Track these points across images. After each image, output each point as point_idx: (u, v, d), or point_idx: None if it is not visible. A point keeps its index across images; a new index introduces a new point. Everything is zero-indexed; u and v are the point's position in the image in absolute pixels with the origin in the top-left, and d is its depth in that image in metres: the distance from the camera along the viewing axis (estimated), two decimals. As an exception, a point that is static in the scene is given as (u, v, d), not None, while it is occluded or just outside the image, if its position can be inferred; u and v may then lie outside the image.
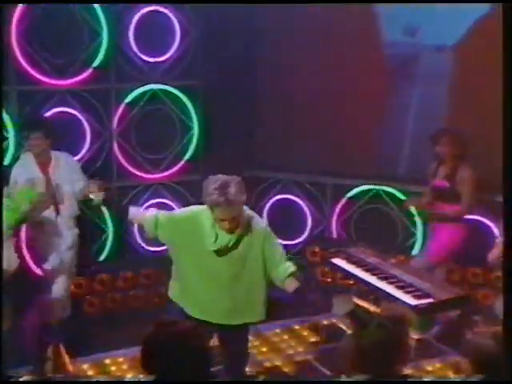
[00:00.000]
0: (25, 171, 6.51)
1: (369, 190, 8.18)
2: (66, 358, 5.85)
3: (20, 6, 7.14)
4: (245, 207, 4.67)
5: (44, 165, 6.59)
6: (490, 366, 3.64)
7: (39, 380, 4.24)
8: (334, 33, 8.01)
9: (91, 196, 6.01)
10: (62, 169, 6.66)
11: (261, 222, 4.83)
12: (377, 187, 8.12)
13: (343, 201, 8.33)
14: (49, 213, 6.47)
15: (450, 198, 6.87)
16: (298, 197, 8.60)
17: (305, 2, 7.82)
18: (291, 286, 4.74)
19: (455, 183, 6.82)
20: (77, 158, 7.47)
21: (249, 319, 4.95)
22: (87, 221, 7.56)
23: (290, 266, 4.80)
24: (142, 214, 5.00)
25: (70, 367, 5.81)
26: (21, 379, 5.46)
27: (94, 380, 5.64)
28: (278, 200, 8.60)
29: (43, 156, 6.60)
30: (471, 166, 6.86)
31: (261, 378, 5.90)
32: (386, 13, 7.97)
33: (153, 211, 4.92)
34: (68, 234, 6.71)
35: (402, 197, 7.93)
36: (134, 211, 5.12)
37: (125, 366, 6.17)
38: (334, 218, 8.47)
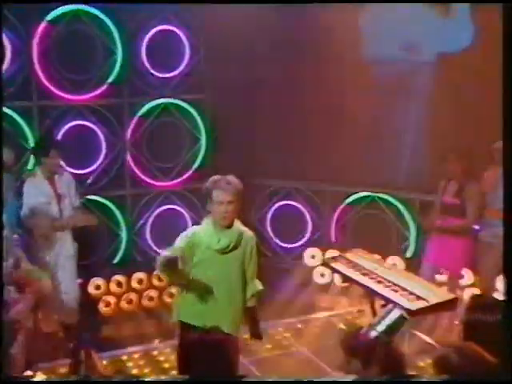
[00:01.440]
0: (38, 191, 6.69)
1: (366, 197, 8.49)
2: (98, 361, 6.14)
3: (42, 26, 7.55)
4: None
5: (51, 179, 6.82)
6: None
7: (38, 380, 4.44)
8: (333, 51, 8.26)
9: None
10: (64, 184, 6.90)
11: (251, 233, 5.23)
12: (373, 194, 8.43)
13: (342, 207, 8.63)
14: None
15: (458, 213, 7.01)
16: (299, 203, 8.89)
17: (305, 2, 8.02)
18: (250, 303, 5.13)
19: (464, 199, 6.96)
20: (93, 167, 7.93)
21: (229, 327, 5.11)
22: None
23: (257, 284, 5.18)
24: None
25: (102, 369, 6.09)
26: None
27: (95, 380, 5.71)
28: (280, 205, 8.91)
29: (53, 172, 6.84)
30: (478, 181, 7.00)
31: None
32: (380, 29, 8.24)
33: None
34: (70, 247, 6.91)
35: (397, 203, 8.28)
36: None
37: (141, 362, 6.48)
38: (333, 222, 8.73)
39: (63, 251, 6.87)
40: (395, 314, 4.23)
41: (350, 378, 3.80)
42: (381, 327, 3.99)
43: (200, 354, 3.75)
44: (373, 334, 3.95)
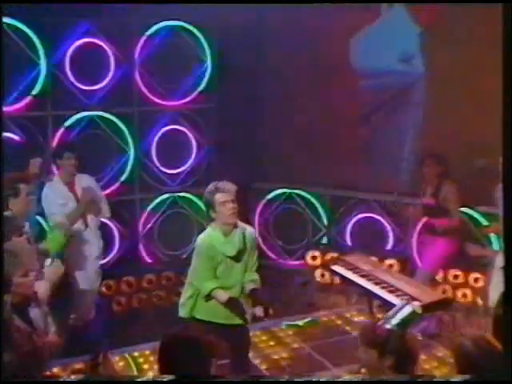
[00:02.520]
0: (56, 196, 6.92)
1: (363, 201, 8.81)
2: (113, 362, 6.40)
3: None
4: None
5: (71, 184, 7.04)
6: (472, 368, 3.67)
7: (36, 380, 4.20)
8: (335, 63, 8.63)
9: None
10: (86, 187, 7.09)
11: (250, 228, 5.70)
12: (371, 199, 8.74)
13: (341, 210, 8.92)
14: (78, 226, 6.98)
15: (437, 213, 7.30)
16: (301, 206, 9.17)
17: (305, 2, 8.10)
18: (248, 288, 5.50)
19: (440, 200, 7.25)
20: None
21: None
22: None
23: (255, 274, 5.57)
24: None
25: (116, 369, 6.34)
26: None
27: (94, 380, 5.74)
28: (282, 208, 9.20)
29: (70, 176, 7.03)
30: (455, 182, 7.27)
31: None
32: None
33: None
34: (95, 245, 7.19)
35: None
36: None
37: (151, 358, 6.60)
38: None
39: (89, 252, 7.11)
40: (408, 309, 4.33)
41: (355, 378, 4.00)
42: (395, 320, 4.12)
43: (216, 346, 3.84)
44: (388, 326, 4.09)
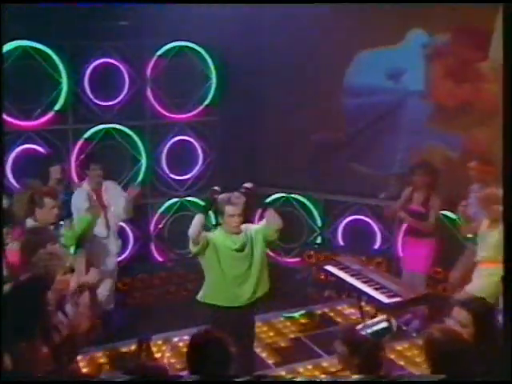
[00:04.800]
0: (83, 201, 7.39)
1: (351, 205, 9.27)
2: (153, 352, 6.75)
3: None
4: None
5: (97, 191, 7.65)
6: (439, 356, 3.89)
7: (38, 380, 4.35)
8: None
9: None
10: (109, 193, 7.75)
11: (254, 225, 6.32)
12: (360, 202, 9.18)
13: (333, 213, 9.40)
14: (100, 228, 7.60)
15: (422, 219, 7.66)
16: (297, 209, 9.63)
17: (305, 2, 8.25)
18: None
19: (428, 208, 7.63)
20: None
21: (261, 292, 6.18)
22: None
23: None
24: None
25: (155, 357, 6.69)
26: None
27: (95, 380, 5.68)
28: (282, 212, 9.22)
29: (98, 184, 7.65)
30: (440, 194, 7.64)
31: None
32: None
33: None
34: (114, 248, 7.83)
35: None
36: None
37: (164, 348, 7.04)
38: (326, 227, 9.52)
39: (109, 248, 7.70)
40: (384, 324, 4.46)
41: (354, 378, 4.10)
42: (370, 330, 4.27)
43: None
44: (363, 333, 4.27)
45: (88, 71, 8.76)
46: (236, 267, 6.08)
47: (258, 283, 6.15)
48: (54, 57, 8.49)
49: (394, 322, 4.42)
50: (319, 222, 9.60)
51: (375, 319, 4.59)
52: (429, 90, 8.60)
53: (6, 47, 8.08)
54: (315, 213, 9.63)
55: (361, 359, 4.08)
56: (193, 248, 6.02)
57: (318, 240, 9.60)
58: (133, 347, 6.95)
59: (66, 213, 7.01)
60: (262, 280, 6.18)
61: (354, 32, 8.69)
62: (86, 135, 8.83)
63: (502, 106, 4.26)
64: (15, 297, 4.60)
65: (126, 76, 8.99)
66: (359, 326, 4.40)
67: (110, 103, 8.94)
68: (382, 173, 8.90)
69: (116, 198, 7.79)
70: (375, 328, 4.29)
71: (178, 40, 9.15)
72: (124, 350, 7.25)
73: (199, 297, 6.22)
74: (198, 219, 5.94)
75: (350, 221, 9.39)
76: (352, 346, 4.13)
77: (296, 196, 9.63)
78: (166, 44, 9.11)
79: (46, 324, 4.55)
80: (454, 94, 8.34)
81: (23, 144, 8.47)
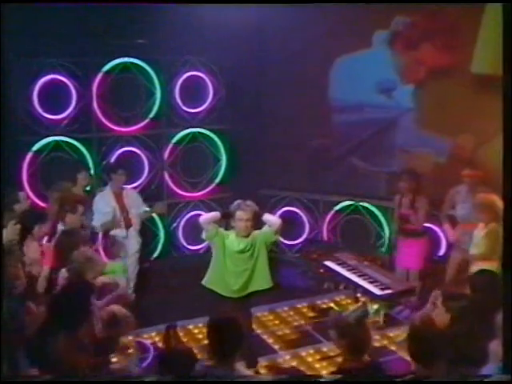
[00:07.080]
0: (105, 204, 7.92)
1: (350, 205, 9.71)
2: (181, 338, 6.71)
3: (99, 77, 8.93)
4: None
5: (118, 195, 8.16)
6: (418, 340, 4.14)
7: (37, 380, 4.52)
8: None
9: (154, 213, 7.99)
10: (130, 198, 8.28)
11: (257, 231, 6.67)
12: (356, 203, 9.63)
13: (332, 213, 9.86)
14: (120, 229, 8.14)
15: (411, 221, 8.03)
16: (299, 209, 10.11)
17: (305, 2, 8.53)
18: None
19: (415, 211, 7.98)
20: (137, 183, 9.30)
21: (255, 288, 6.62)
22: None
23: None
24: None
25: (183, 344, 6.71)
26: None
27: (95, 380, 5.60)
28: (284, 211, 10.03)
29: (119, 189, 8.17)
30: (426, 196, 7.96)
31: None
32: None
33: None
34: (135, 243, 8.38)
35: (375, 210, 9.45)
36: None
37: (181, 334, 6.94)
38: (325, 225, 9.91)
39: (129, 247, 8.22)
40: (362, 310, 4.96)
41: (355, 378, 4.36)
42: (352, 316, 4.63)
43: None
44: (348, 318, 4.64)
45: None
46: (237, 265, 6.63)
47: (250, 280, 6.64)
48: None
49: (369, 307, 5.16)
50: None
51: (355, 306, 5.25)
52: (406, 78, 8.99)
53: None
54: (316, 213, 10.00)
55: (348, 340, 4.48)
56: (203, 234, 6.67)
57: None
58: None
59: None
60: (258, 277, 6.65)
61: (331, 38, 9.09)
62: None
63: (503, 107, 4.40)
64: (65, 297, 5.15)
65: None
66: (344, 313, 4.86)
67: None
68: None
69: (136, 203, 8.30)
70: (355, 314, 4.66)
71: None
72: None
73: (204, 281, 6.76)
74: (213, 213, 6.76)
75: (349, 219, 9.80)
76: (339, 329, 4.57)
77: (299, 197, 10.01)
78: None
79: (89, 320, 5.07)
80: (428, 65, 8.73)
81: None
